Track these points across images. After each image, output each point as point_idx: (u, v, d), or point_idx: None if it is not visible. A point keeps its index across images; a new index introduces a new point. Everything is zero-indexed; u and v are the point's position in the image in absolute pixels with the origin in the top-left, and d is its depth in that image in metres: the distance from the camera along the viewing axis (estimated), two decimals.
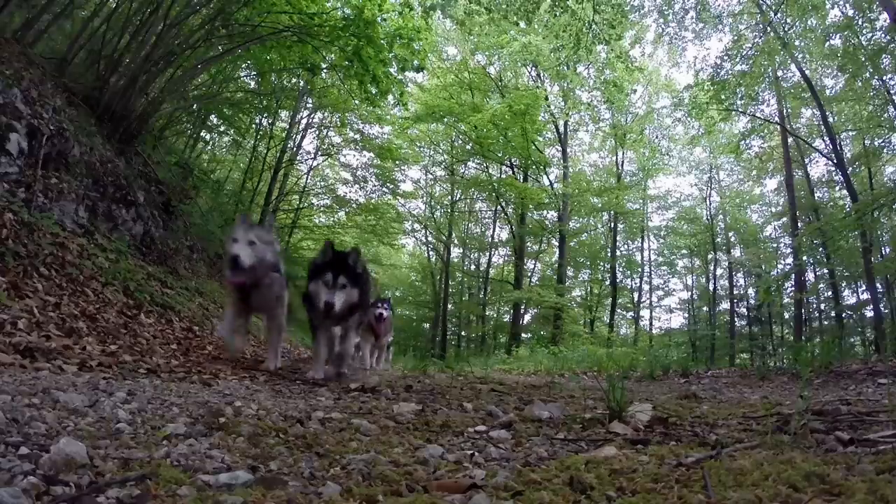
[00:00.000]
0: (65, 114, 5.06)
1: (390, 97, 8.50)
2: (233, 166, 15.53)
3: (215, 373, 3.05)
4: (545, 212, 22.67)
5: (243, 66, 10.25)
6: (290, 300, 4.03)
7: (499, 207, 23.08)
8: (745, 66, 12.81)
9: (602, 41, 10.75)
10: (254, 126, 14.20)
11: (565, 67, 16.68)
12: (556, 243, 21.51)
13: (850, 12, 12.09)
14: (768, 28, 12.26)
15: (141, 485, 0.97)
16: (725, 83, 12.59)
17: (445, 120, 19.19)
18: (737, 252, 23.80)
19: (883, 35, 11.40)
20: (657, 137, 22.40)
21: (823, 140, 16.55)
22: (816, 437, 1.59)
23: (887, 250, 15.85)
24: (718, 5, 13.11)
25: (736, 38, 13.15)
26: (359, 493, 1.03)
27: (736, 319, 22.86)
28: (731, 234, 24.03)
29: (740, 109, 14.28)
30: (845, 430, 1.70)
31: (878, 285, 14.58)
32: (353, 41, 7.12)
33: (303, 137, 16.76)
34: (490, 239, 24.98)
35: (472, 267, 26.03)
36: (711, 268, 24.05)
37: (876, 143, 15.59)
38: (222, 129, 13.11)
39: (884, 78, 12.32)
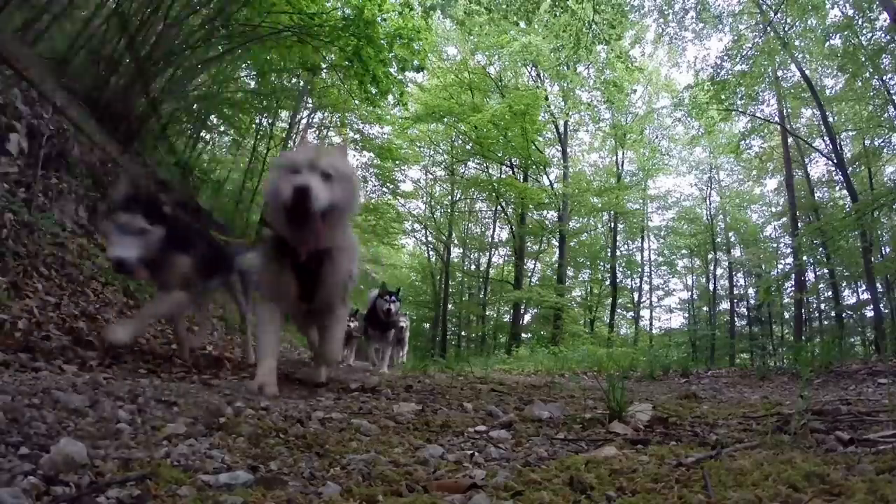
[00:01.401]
0: (65, 114, 5.06)
1: (390, 97, 8.49)
2: (233, 166, 15.51)
3: (215, 373, 3.05)
4: (545, 212, 22.67)
5: (243, 66, 10.24)
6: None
7: (499, 207, 23.07)
8: (745, 66, 12.81)
9: (602, 41, 10.74)
10: (254, 126, 14.19)
11: (565, 67, 16.68)
12: (556, 243, 21.50)
13: (850, 12, 12.10)
14: (768, 28, 12.26)
15: (141, 485, 0.97)
16: (725, 83, 12.59)
17: (445, 120, 19.17)
18: (737, 252, 23.79)
19: (883, 35, 11.41)
20: (657, 137, 22.42)
21: (823, 140, 16.55)
22: (816, 437, 1.59)
23: (887, 250, 15.84)
24: (718, 5, 13.14)
25: (736, 38, 13.15)
26: (359, 493, 1.03)
27: (736, 319, 22.85)
28: (731, 234, 24.01)
29: (740, 109, 14.28)
30: (845, 430, 1.70)
31: (878, 285, 14.57)
32: (353, 41, 7.12)
33: (303, 137, 16.74)
34: (490, 239, 24.98)
35: (472, 267, 26.01)
36: (711, 268, 24.04)
37: (876, 143, 15.59)
38: (222, 129, 13.11)
39: (884, 78, 12.32)
